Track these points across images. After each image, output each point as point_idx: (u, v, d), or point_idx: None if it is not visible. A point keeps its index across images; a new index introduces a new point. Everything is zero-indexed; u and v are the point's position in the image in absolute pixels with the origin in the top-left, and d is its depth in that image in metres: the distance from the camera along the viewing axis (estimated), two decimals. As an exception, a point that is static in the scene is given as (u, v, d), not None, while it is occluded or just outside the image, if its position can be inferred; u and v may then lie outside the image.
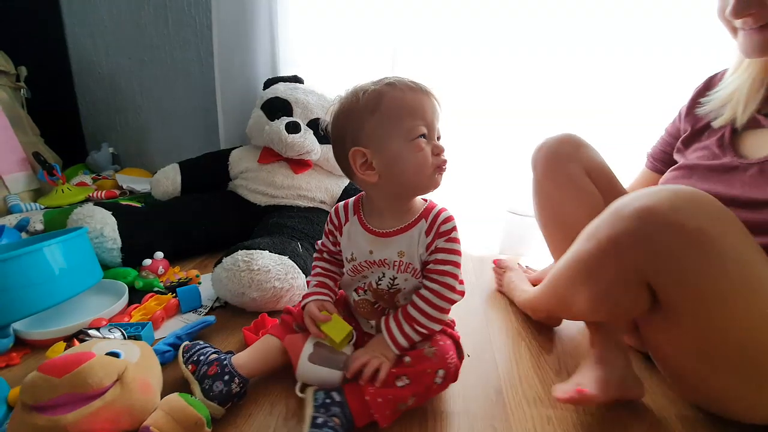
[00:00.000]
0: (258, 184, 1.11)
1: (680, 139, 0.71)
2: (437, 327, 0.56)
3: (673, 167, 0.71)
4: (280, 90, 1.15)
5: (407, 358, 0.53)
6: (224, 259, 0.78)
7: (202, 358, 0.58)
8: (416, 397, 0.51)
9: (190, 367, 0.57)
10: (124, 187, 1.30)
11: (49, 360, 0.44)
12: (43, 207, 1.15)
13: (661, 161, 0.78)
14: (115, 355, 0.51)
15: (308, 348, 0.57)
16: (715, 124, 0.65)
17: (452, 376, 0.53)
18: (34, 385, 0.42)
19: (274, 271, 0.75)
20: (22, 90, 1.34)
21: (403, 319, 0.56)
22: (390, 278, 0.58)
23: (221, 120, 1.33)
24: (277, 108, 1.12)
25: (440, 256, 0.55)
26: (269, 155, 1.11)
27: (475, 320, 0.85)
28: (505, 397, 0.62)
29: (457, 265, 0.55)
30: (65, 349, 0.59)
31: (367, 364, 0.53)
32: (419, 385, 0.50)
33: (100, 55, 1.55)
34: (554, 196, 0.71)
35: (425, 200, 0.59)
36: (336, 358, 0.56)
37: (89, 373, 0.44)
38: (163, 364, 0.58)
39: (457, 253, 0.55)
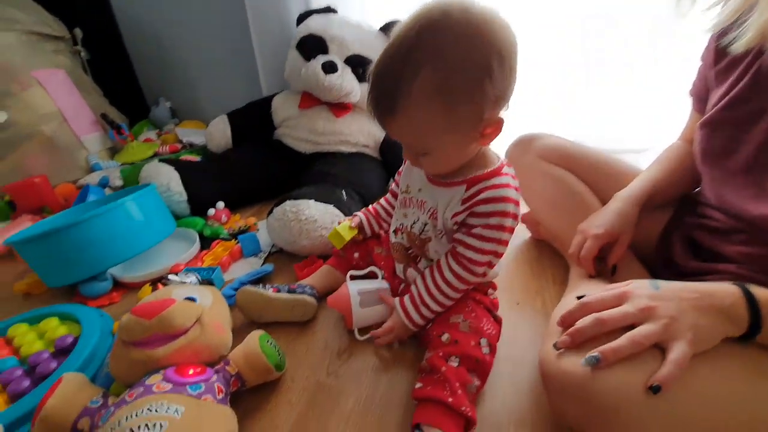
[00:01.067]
0: (300, 131, 1.10)
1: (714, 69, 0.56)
2: (448, 302, 0.55)
3: (700, 121, 0.58)
4: (313, 25, 1.08)
5: (445, 335, 0.52)
6: (274, 210, 0.82)
7: (275, 285, 0.67)
8: (476, 373, 0.50)
9: (271, 290, 0.64)
10: (184, 141, 1.38)
11: (139, 304, 0.52)
12: (119, 164, 1.28)
13: (701, 97, 0.63)
14: (192, 300, 0.58)
15: (355, 297, 0.61)
16: (735, 48, 0.48)
17: (494, 343, 0.53)
18: (128, 326, 0.50)
19: (320, 220, 0.78)
20: (81, 53, 1.41)
21: (416, 292, 0.56)
22: (422, 224, 0.57)
23: (260, 63, 1.30)
24: (312, 46, 1.06)
25: (468, 239, 0.51)
26: (309, 100, 1.08)
27: (524, 267, 0.83)
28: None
29: (481, 252, 0.51)
30: (152, 291, 0.68)
31: (387, 339, 0.59)
32: (470, 360, 0.49)
33: (140, 8, 1.55)
34: (524, 187, 0.70)
35: (500, 158, 0.53)
36: (381, 289, 0.64)
37: (174, 317, 0.51)
38: (229, 306, 0.66)
39: (490, 240, 0.50)
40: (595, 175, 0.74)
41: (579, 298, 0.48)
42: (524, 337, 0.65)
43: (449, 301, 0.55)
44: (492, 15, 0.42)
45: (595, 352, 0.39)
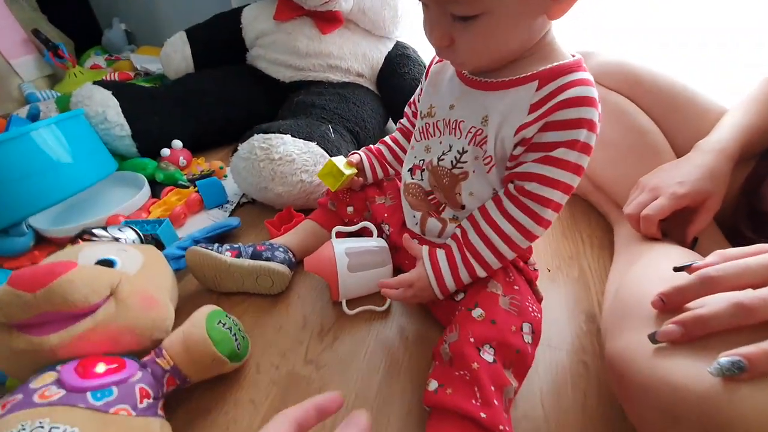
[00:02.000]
0: (278, 52, 0.87)
1: None
2: (496, 267, 0.39)
3: None
4: None
5: (478, 310, 0.37)
6: (240, 147, 0.63)
7: (236, 245, 0.50)
8: (514, 370, 0.35)
9: (229, 254, 0.48)
10: (139, 68, 1.14)
11: (19, 271, 0.35)
12: (60, 94, 1.04)
13: None
14: (109, 263, 0.41)
15: (342, 258, 0.45)
16: None
17: (539, 329, 0.38)
18: (3, 303, 0.33)
19: (299, 161, 0.59)
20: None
21: (458, 253, 0.39)
22: (457, 151, 0.39)
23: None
24: (290, -69, 0.80)
25: (542, 169, 0.34)
26: (287, 9, 0.84)
27: (554, 226, 0.67)
28: (600, 324, 0.47)
29: (566, 189, 0.34)
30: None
31: (403, 295, 0.42)
32: (509, 352, 0.35)
33: None
34: None
35: (573, 54, 0.35)
36: (376, 253, 0.48)
37: (68, 290, 0.34)
38: (177, 270, 0.50)
39: (576, 171, 0.33)
40: (666, 109, 0.56)
41: (679, 269, 0.32)
42: (561, 314, 0.50)
43: (499, 266, 0.39)
44: None
45: (735, 356, 0.24)
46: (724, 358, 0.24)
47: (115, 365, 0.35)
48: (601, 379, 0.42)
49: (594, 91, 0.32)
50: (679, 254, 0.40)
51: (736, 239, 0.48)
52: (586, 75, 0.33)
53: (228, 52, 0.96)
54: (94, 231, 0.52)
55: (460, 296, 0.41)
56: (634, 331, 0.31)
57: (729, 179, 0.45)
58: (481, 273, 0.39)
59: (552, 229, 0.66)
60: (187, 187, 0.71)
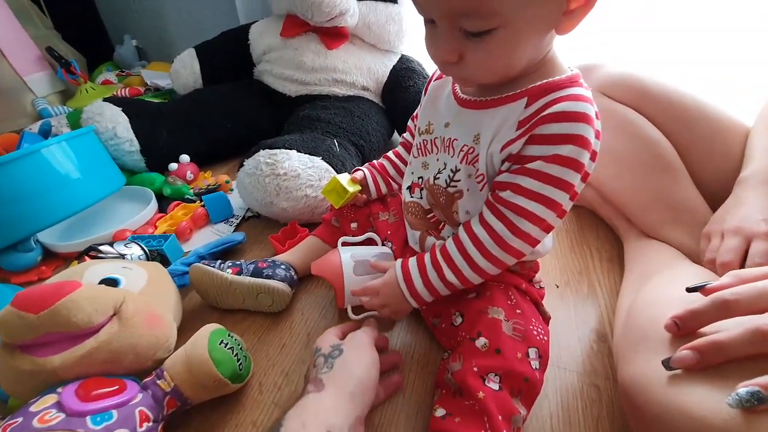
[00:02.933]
0: (284, 67, 0.88)
1: None
2: (472, 278, 0.37)
3: None
4: None
5: (482, 339, 0.36)
6: (246, 162, 0.63)
7: (238, 262, 0.50)
8: (523, 398, 0.34)
9: (230, 271, 0.47)
10: (149, 83, 1.16)
11: (24, 291, 0.35)
12: (71, 110, 1.07)
13: None
14: (113, 282, 0.41)
15: (348, 263, 0.45)
16: None
17: (547, 352, 0.37)
18: (7, 323, 0.33)
19: (304, 176, 0.59)
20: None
21: (428, 256, 0.39)
22: (451, 170, 0.39)
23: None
24: (297, -49, 0.81)
25: (520, 179, 0.32)
26: (293, 25, 0.85)
27: (562, 240, 0.66)
28: (612, 345, 0.46)
29: (546, 202, 0.32)
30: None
31: (371, 303, 0.42)
32: (516, 380, 0.34)
33: None
34: None
35: (571, 69, 0.34)
36: (381, 258, 0.47)
37: (72, 309, 0.34)
38: (181, 287, 0.50)
39: (557, 184, 0.31)
40: (676, 121, 0.55)
41: (692, 289, 0.31)
42: (570, 333, 0.49)
43: (475, 277, 0.37)
44: None
45: (754, 386, 0.23)
46: (743, 389, 0.23)
47: (115, 387, 0.35)
48: (615, 405, 0.40)
49: (588, 107, 0.31)
50: (694, 273, 0.39)
51: None
52: (579, 90, 0.32)
53: (236, 68, 0.98)
54: (100, 247, 0.52)
55: (459, 321, 0.40)
56: (648, 356, 0.30)
57: None
58: (451, 277, 0.37)
59: (560, 244, 0.65)
60: (194, 202, 0.72)
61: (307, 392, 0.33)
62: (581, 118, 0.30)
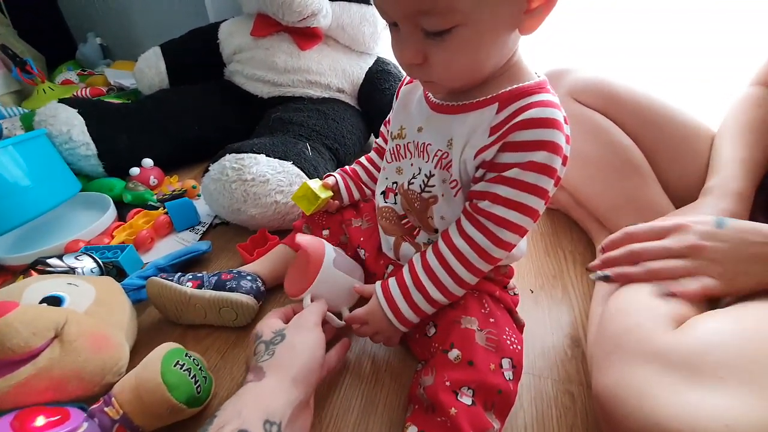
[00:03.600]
0: (255, 68, 0.85)
1: None
2: (456, 292, 0.37)
3: None
4: None
5: (454, 351, 0.35)
6: (211, 167, 0.60)
7: (200, 275, 0.47)
8: (496, 410, 0.33)
9: (190, 284, 0.44)
10: (113, 83, 1.10)
11: (-49, 315, 0.32)
12: (26, 111, 1.00)
13: None
14: (56, 300, 0.38)
15: (330, 253, 0.43)
16: None
17: (521, 361, 0.36)
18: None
19: (273, 181, 0.57)
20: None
21: (408, 275, 0.37)
22: (425, 175, 0.38)
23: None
24: (267, -52, 0.79)
25: (497, 188, 0.32)
26: (265, 25, 0.83)
27: (536, 244, 0.66)
28: (586, 350, 0.46)
29: (523, 210, 0.32)
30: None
31: (361, 332, 0.41)
32: (489, 393, 0.33)
33: None
34: None
35: (538, 74, 0.34)
36: (355, 266, 0.47)
37: (6, 334, 0.31)
38: (137, 302, 0.46)
39: (532, 190, 0.31)
40: (643, 125, 0.56)
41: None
42: (545, 338, 0.49)
43: (459, 290, 0.37)
44: None
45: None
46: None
47: (57, 417, 0.32)
48: (588, 413, 0.40)
49: (556, 113, 0.31)
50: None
51: None
52: (547, 96, 0.31)
53: (205, 67, 0.94)
54: (49, 261, 0.48)
55: (432, 331, 0.39)
56: (622, 367, 0.30)
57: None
58: (436, 295, 0.36)
59: (535, 247, 0.65)
60: (157, 209, 0.68)
61: (246, 381, 0.32)
62: (552, 124, 0.30)
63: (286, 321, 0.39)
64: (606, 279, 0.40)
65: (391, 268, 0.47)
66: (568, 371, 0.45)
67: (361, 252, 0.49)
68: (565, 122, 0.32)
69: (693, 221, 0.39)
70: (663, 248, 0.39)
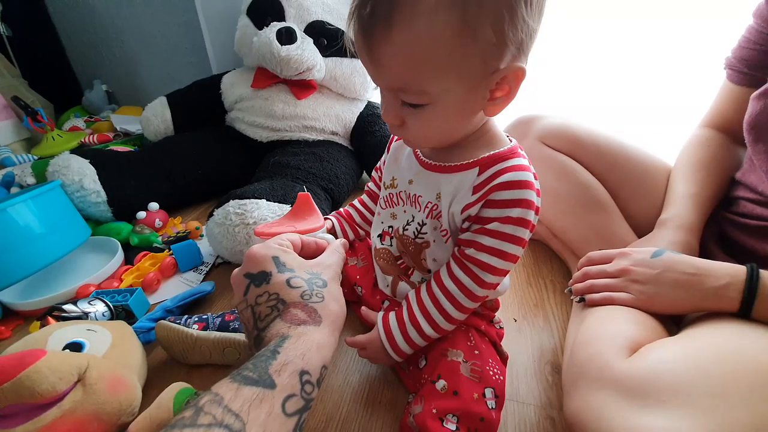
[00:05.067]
0: (255, 115, 0.92)
1: None
2: (447, 327, 0.42)
3: (758, 90, 0.48)
4: (267, -14, 0.90)
5: (441, 382, 0.39)
6: (215, 212, 0.65)
7: (205, 316, 0.51)
8: None
9: (196, 327, 0.48)
10: (118, 129, 1.17)
11: (-15, 364, 0.35)
12: (37, 158, 1.05)
13: (750, 64, 0.54)
14: (78, 346, 0.41)
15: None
16: None
17: (503, 392, 0.40)
18: (-34, 399, 0.33)
19: (273, 224, 0.62)
20: (-2, 28, 1.17)
21: (406, 311, 0.42)
22: (418, 224, 0.43)
23: (207, 35, 1.10)
24: (265, 10, 0.88)
25: (481, 238, 0.37)
26: (264, 77, 0.90)
27: (518, 274, 0.70)
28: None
29: (503, 256, 0.37)
30: (40, 328, 0.51)
31: (360, 354, 0.46)
32: (472, 420, 0.37)
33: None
34: None
35: (510, 139, 0.40)
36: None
37: (36, 380, 0.35)
38: (147, 343, 0.50)
39: (510, 240, 0.37)
40: (607, 166, 0.63)
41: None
42: (527, 366, 0.52)
43: (449, 326, 0.41)
44: None
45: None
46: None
47: (78, 457, 0.35)
48: (566, 436, 0.43)
49: (528, 175, 0.37)
50: (622, 309, 0.44)
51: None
52: (520, 161, 0.37)
53: (207, 115, 1.01)
54: (64, 307, 0.52)
55: (423, 363, 0.43)
56: (585, 393, 0.34)
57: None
58: (429, 331, 0.41)
59: (518, 278, 0.69)
60: (162, 251, 0.72)
61: (303, 321, 0.30)
62: (525, 185, 0.36)
63: (297, 251, 0.38)
64: (570, 293, 0.52)
65: (386, 303, 0.52)
66: (549, 397, 0.48)
67: (358, 289, 0.54)
68: (536, 178, 0.37)
69: (635, 250, 0.48)
70: (602, 270, 0.49)
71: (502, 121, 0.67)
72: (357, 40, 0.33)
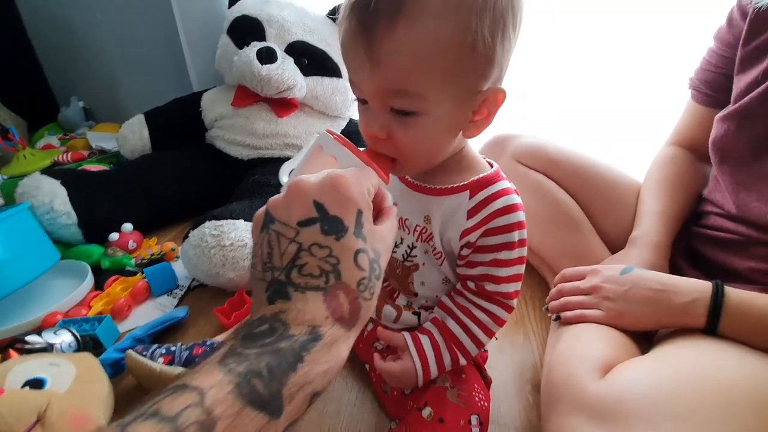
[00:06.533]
0: (236, 133, 0.92)
1: (740, 43, 0.49)
2: (476, 351, 0.42)
3: (722, 112, 0.50)
4: (248, 5, 0.91)
5: (427, 410, 0.38)
6: (191, 233, 0.64)
7: (173, 348, 0.48)
8: None
9: (161, 360, 0.46)
10: (94, 146, 1.14)
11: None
12: (6, 177, 1.02)
13: (712, 86, 0.57)
14: (39, 383, 0.39)
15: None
16: None
17: (487, 418, 0.40)
18: None
19: (251, 245, 0.61)
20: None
21: (440, 338, 0.41)
22: (407, 246, 0.43)
23: (188, 53, 1.10)
24: (246, 30, 0.88)
25: (496, 271, 0.38)
26: (244, 96, 0.90)
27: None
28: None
29: (518, 278, 0.39)
30: (1, 362, 0.48)
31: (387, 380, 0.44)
32: None
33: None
34: None
35: (491, 165, 0.40)
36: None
37: (-11, 421, 0.32)
38: (114, 376, 0.48)
39: (520, 262, 0.39)
40: (579, 184, 0.64)
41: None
42: (509, 386, 0.52)
43: (476, 352, 0.42)
44: None
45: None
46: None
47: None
48: (545, 457, 0.43)
49: (516, 197, 0.38)
50: (595, 328, 0.44)
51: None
52: (507, 184, 0.38)
53: (187, 133, 1.00)
54: (27, 338, 0.50)
55: (409, 389, 0.42)
56: (560, 416, 0.34)
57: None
58: (462, 361, 0.41)
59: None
60: (135, 274, 0.70)
61: (342, 318, 0.24)
62: (517, 207, 0.37)
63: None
64: (547, 311, 0.53)
65: (371, 325, 0.51)
66: (530, 418, 0.48)
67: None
68: (518, 194, 0.39)
69: (605, 267, 0.50)
70: (574, 287, 0.51)
71: (477, 141, 0.68)
72: (352, 36, 0.30)
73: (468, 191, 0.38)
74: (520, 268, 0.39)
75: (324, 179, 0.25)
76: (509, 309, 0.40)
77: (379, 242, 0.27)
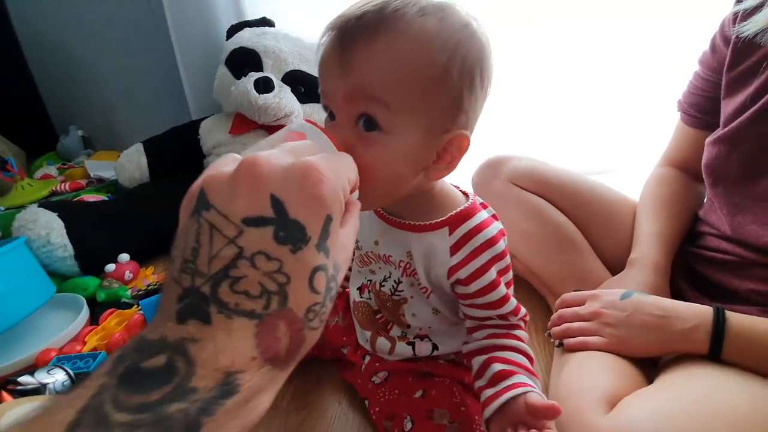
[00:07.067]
0: (233, 160, 0.93)
1: (725, 69, 0.50)
2: None
3: (712, 135, 0.51)
4: (246, 38, 0.93)
5: None
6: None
7: None
8: None
9: None
10: (92, 175, 1.14)
11: None
12: (3, 209, 1.02)
13: (701, 109, 0.58)
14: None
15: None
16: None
17: None
18: None
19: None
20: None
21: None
22: (394, 281, 0.42)
23: (186, 83, 1.12)
24: (243, 61, 0.91)
25: (504, 308, 0.39)
26: (242, 124, 0.92)
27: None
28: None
29: (506, 297, 0.39)
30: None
31: None
32: None
33: (45, 20, 1.32)
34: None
35: (466, 195, 0.41)
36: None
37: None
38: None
39: (509, 283, 0.40)
40: (576, 205, 0.65)
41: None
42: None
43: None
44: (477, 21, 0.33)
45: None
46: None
47: None
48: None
49: (497, 226, 0.38)
50: (598, 356, 0.44)
51: (679, 297, 0.53)
52: (485, 215, 0.38)
53: (185, 160, 1.01)
54: (20, 379, 0.49)
55: (409, 426, 0.41)
56: None
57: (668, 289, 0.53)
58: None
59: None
60: (131, 306, 0.69)
61: (275, 356, 0.18)
62: (498, 238, 0.37)
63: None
64: (549, 337, 0.52)
65: (368, 358, 0.50)
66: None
67: (345, 349, 0.52)
68: (496, 219, 0.39)
69: (605, 292, 0.49)
70: (575, 313, 0.50)
71: (471, 163, 0.69)
72: (331, 49, 0.30)
73: (447, 227, 0.38)
74: (509, 290, 0.39)
75: (291, 167, 0.19)
76: (518, 312, 0.40)
77: (340, 252, 0.21)
